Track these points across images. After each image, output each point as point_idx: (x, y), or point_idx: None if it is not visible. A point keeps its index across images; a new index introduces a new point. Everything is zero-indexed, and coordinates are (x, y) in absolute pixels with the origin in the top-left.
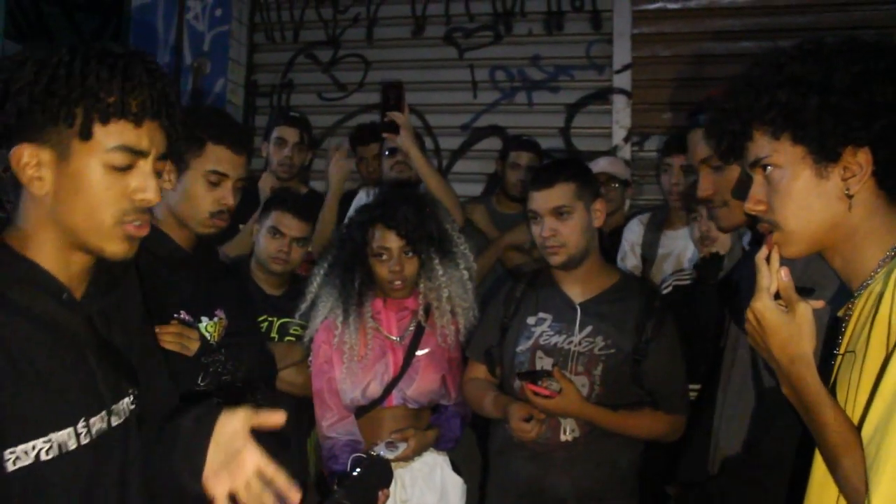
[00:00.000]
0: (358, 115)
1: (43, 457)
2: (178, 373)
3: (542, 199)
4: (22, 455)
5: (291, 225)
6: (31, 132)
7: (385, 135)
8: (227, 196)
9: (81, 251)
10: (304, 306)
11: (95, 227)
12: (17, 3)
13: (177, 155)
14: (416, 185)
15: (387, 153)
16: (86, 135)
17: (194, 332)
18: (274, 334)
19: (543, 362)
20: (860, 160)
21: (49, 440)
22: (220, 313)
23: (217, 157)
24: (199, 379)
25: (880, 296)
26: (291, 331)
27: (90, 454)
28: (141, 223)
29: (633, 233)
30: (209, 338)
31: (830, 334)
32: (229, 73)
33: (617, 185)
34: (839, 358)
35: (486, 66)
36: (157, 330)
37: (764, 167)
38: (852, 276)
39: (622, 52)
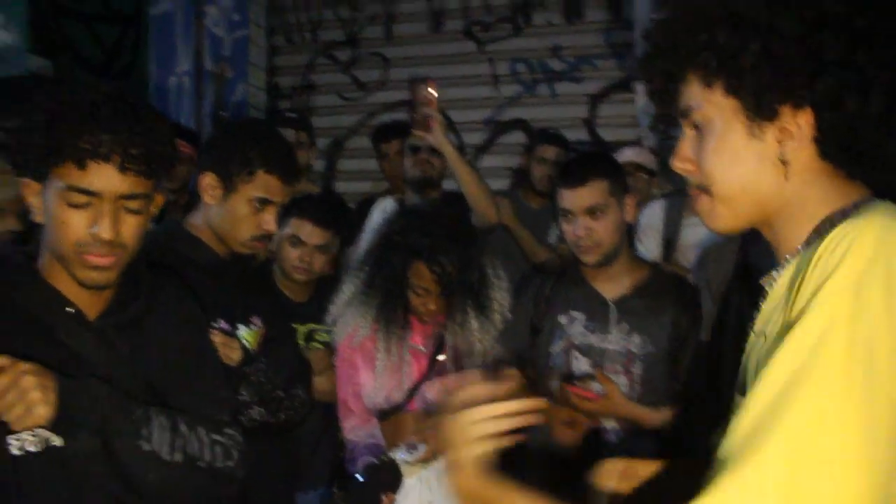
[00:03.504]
0: (380, 114)
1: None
2: None
3: (575, 198)
4: (26, 443)
5: (312, 233)
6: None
7: (417, 132)
8: (270, 221)
9: None
10: (331, 319)
11: (63, 255)
12: (40, 19)
13: (225, 174)
14: (439, 184)
15: (409, 150)
16: (39, 177)
17: (236, 342)
18: (301, 342)
19: (579, 363)
20: (799, 122)
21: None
22: (256, 321)
23: (266, 185)
24: (241, 388)
25: (795, 280)
26: (317, 337)
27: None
28: (103, 253)
29: (655, 216)
30: (248, 346)
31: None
32: (250, 77)
33: (644, 176)
34: (751, 337)
35: (507, 58)
36: None
37: (693, 119)
38: (779, 246)
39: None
